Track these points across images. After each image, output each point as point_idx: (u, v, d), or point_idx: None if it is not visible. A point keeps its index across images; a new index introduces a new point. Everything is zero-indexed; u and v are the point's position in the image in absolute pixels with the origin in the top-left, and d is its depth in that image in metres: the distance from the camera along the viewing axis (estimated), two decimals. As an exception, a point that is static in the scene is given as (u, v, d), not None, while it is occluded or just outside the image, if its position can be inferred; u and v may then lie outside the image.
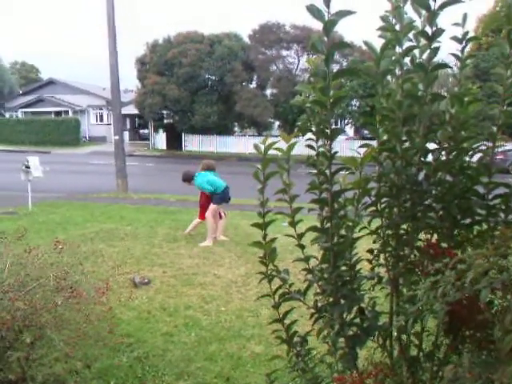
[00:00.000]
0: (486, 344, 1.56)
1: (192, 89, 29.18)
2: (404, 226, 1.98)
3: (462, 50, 1.91)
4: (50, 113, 39.17)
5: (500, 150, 1.93)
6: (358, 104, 27.31)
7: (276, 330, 2.19)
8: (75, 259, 3.58)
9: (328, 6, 1.63)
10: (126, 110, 30.83)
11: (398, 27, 1.81)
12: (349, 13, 1.66)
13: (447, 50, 1.95)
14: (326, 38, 1.67)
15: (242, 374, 3.82)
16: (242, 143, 30.93)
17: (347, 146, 25.05)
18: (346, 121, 28.99)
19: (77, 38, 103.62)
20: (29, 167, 10.56)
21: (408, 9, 1.83)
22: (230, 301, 5.44)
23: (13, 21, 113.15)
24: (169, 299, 5.43)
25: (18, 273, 3.18)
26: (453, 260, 1.35)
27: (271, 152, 1.93)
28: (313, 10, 1.65)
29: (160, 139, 33.77)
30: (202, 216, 8.37)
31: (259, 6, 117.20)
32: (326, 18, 1.64)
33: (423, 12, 1.79)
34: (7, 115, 41.65)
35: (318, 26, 1.67)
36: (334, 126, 1.81)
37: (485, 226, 1.92)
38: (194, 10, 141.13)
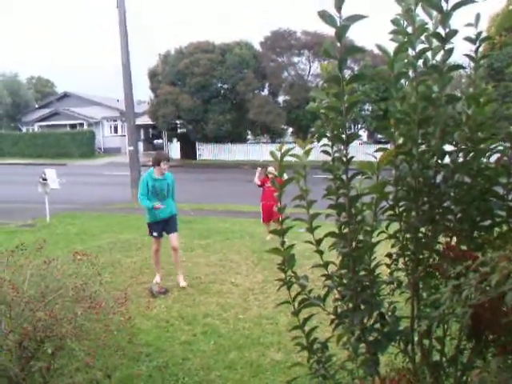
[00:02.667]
0: None
1: (204, 98, 29.36)
2: (423, 230, 1.96)
3: (476, 51, 1.89)
4: (65, 125, 39.78)
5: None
6: (370, 108, 27.17)
7: (296, 337, 2.17)
8: (93, 270, 3.61)
9: (339, 12, 1.63)
10: (139, 121, 31.09)
11: (409, 30, 1.81)
12: (361, 17, 1.66)
13: (459, 51, 1.93)
14: (338, 44, 1.67)
15: (262, 382, 3.80)
16: (255, 151, 30.96)
17: (362, 150, 24.96)
18: (360, 125, 28.86)
19: (90, 51, 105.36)
20: (46, 179, 10.72)
21: (418, 11, 1.82)
22: (248, 308, 5.43)
23: (28, 36, 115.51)
24: (187, 308, 5.44)
25: (38, 284, 3.22)
26: (475, 262, 1.33)
27: (285, 159, 1.93)
28: (324, 16, 1.65)
29: (174, 149, 33.96)
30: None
31: (259, 6, 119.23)
32: (338, 24, 1.64)
33: (434, 13, 1.78)
34: (24, 129, 42.39)
35: (328, 31, 1.67)
36: (349, 131, 1.81)
37: (505, 228, 1.89)
38: (194, 11, 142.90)
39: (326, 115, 1.89)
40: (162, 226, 6.34)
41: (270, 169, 8.80)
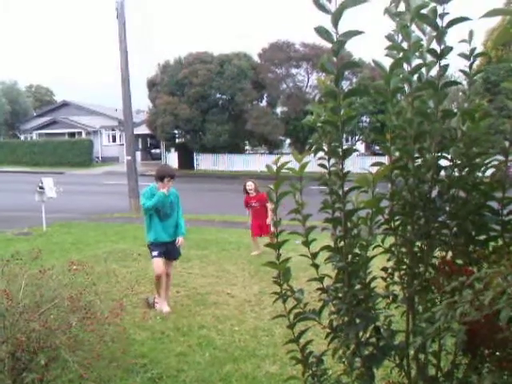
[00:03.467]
0: (507, 364, 1.52)
1: (203, 108, 29.50)
2: (418, 244, 1.97)
3: (470, 67, 1.91)
4: (63, 134, 39.89)
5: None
6: (368, 120, 27.33)
7: (291, 351, 2.16)
8: (89, 280, 3.60)
9: (336, 27, 1.65)
10: (138, 130, 31.17)
11: (405, 45, 1.83)
12: (357, 33, 1.68)
13: (455, 65, 1.95)
14: (335, 59, 1.69)
15: (257, 395, 3.78)
16: (253, 161, 31.04)
17: (360, 162, 25.09)
18: (357, 137, 28.99)
19: (89, 59, 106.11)
20: (43, 188, 10.71)
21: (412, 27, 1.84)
22: (243, 320, 5.40)
23: (28, 45, 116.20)
24: (182, 319, 5.41)
25: (33, 293, 3.20)
26: (470, 278, 1.33)
27: (282, 170, 1.93)
28: (321, 32, 1.66)
29: (172, 159, 34.00)
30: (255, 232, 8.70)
31: (259, 14, 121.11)
32: (335, 39, 1.66)
33: (428, 30, 1.80)
34: (22, 137, 42.44)
35: (327, 43, 1.68)
36: (346, 146, 1.82)
37: (500, 242, 1.90)
38: (193, 19, 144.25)
39: (323, 129, 1.90)
40: (164, 249, 5.77)
41: (249, 183, 8.52)
